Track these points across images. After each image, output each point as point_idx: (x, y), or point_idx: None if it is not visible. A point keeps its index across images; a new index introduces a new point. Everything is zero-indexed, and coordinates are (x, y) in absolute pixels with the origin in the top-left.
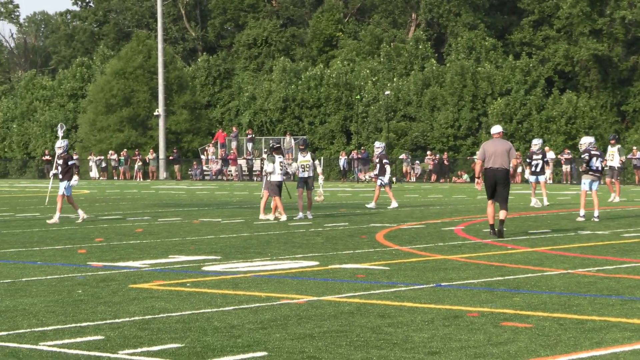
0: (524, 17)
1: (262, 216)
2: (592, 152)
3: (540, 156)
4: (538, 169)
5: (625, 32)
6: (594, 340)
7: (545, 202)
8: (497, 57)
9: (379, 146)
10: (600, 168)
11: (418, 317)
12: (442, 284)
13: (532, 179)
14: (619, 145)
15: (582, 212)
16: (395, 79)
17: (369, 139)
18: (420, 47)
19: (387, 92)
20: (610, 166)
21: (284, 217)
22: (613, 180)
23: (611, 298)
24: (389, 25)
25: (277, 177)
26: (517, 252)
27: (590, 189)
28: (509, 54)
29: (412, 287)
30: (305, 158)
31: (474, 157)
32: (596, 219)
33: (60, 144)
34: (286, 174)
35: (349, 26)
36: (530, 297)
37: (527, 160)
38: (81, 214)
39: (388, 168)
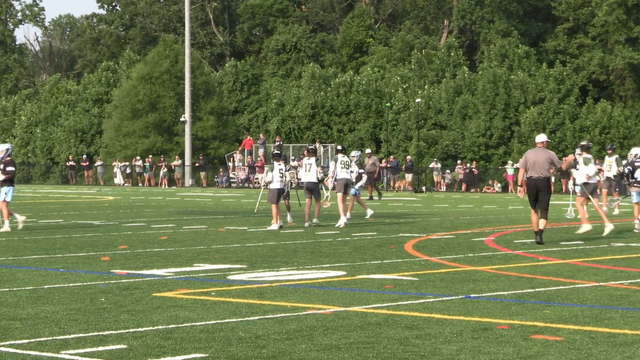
0: (559, 25)
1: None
2: (636, 164)
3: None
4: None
5: None
6: (625, 355)
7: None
8: (530, 65)
9: (354, 155)
10: None
11: (446, 329)
12: (472, 295)
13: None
14: (616, 155)
15: (636, 223)
16: (426, 87)
17: (399, 147)
18: (452, 54)
19: (418, 100)
20: (607, 177)
21: (274, 227)
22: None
23: None
24: (420, 32)
25: (276, 185)
26: (548, 264)
27: (638, 201)
28: (543, 61)
29: (440, 299)
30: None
31: (505, 166)
32: (637, 230)
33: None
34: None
35: (380, 32)
36: (561, 310)
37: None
38: (19, 219)
39: (364, 177)
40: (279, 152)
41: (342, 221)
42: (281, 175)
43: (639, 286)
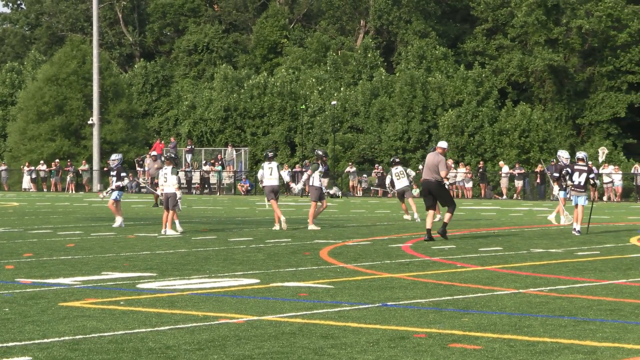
0: (478, 26)
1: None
2: (576, 167)
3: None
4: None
5: (582, 42)
6: None
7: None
8: (449, 67)
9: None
10: (582, 183)
11: (363, 338)
12: (388, 303)
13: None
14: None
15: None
16: (342, 89)
17: (314, 151)
18: (369, 55)
19: (334, 102)
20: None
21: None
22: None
23: (563, 319)
24: (336, 32)
25: (270, 182)
26: (466, 271)
27: (576, 203)
28: (461, 63)
29: (356, 307)
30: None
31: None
32: (577, 233)
33: None
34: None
35: (295, 33)
36: (480, 318)
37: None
38: None
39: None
40: (174, 156)
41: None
42: (270, 173)
43: (559, 293)
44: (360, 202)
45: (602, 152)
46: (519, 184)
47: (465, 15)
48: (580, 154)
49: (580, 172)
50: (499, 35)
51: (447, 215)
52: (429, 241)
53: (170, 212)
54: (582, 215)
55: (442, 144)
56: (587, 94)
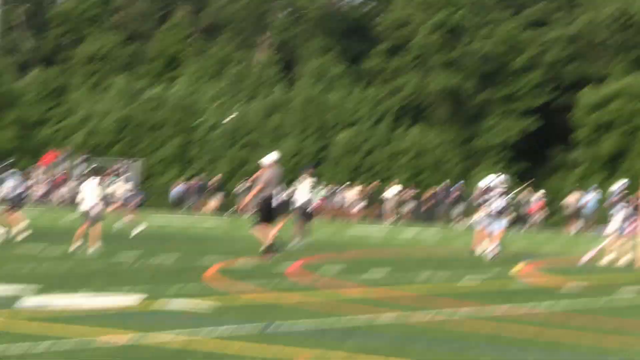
0: (378, 45)
1: None
2: (494, 192)
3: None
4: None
5: (478, 65)
6: None
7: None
8: (346, 85)
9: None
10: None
11: None
12: (272, 326)
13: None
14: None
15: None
16: (239, 104)
17: (210, 166)
18: (268, 70)
19: (231, 117)
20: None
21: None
22: None
23: (444, 347)
24: (237, 47)
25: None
26: (352, 293)
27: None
28: (360, 82)
29: (240, 328)
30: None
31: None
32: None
33: None
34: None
35: (195, 45)
36: (363, 344)
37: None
38: None
39: None
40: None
41: None
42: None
43: (444, 319)
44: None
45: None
46: (409, 206)
47: (367, 34)
48: (495, 179)
49: (499, 197)
50: (398, 56)
51: (274, 233)
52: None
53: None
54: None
55: (275, 155)
56: (482, 117)
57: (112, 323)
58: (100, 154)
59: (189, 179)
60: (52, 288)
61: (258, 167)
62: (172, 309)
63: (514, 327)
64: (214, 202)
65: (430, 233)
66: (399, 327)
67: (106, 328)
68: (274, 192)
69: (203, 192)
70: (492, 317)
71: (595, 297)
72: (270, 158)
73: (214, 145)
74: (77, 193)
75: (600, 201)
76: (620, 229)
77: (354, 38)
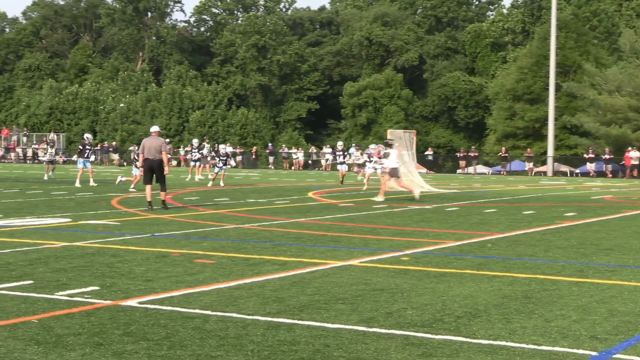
0: (215, 57)
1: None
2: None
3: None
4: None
5: (279, 70)
6: (254, 271)
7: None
8: (197, 83)
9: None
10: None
11: (139, 257)
12: (156, 234)
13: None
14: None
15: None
16: (127, 96)
17: (108, 135)
18: (144, 75)
19: (122, 105)
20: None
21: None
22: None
23: (266, 244)
24: (123, 60)
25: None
26: (206, 213)
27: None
28: (205, 81)
29: (135, 237)
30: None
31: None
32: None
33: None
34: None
35: (96, 59)
36: (214, 243)
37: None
38: None
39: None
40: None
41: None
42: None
43: (263, 227)
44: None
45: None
46: (239, 158)
47: (207, 50)
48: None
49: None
50: (228, 65)
51: (164, 194)
52: (150, 210)
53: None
54: None
55: (156, 128)
56: (283, 102)
57: (51, 236)
58: (37, 130)
59: (97, 144)
60: (10, 215)
61: (144, 135)
62: (89, 226)
63: (310, 231)
64: (115, 159)
65: (256, 173)
66: (237, 233)
67: (47, 239)
68: (154, 156)
69: (107, 152)
70: (295, 225)
71: (358, 212)
72: (153, 129)
73: (112, 123)
74: (25, 155)
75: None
76: (374, 169)
77: (199, 53)
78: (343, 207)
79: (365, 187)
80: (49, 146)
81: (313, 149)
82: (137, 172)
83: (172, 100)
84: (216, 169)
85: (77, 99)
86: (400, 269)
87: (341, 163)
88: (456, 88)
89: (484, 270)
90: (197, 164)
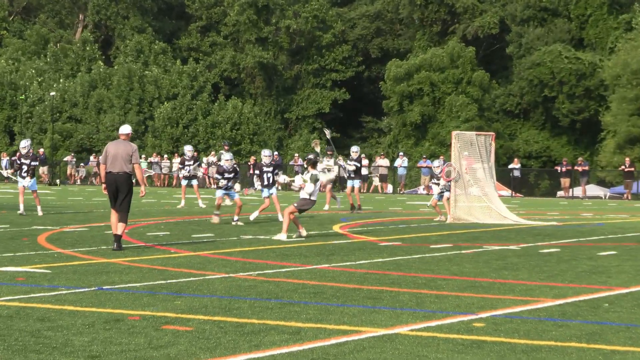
0: (192, 23)
1: None
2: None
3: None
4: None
5: (290, 41)
6: (252, 343)
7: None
8: (166, 61)
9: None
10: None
11: (79, 321)
12: (104, 287)
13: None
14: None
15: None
16: (61, 80)
17: (33, 139)
18: (87, 48)
19: (53, 93)
20: None
21: None
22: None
23: (270, 302)
24: (55, 26)
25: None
26: (180, 256)
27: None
28: (177, 58)
29: (73, 291)
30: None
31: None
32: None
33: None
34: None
35: (14, 25)
36: (192, 301)
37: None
38: None
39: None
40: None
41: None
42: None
43: (266, 277)
44: (78, 190)
45: (316, 144)
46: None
47: (181, 12)
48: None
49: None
50: (213, 33)
51: (122, 226)
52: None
53: None
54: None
55: (127, 128)
56: (295, 90)
57: None
58: None
59: (15, 152)
60: None
61: (83, 140)
62: (4, 276)
63: (334, 283)
64: (42, 174)
65: (254, 195)
66: (225, 286)
67: None
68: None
69: (45, 162)
70: (314, 274)
71: (409, 254)
72: (123, 130)
73: (39, 120)
74: None
75: (409, 167)
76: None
77: (168, 17)
78: (386, 247)
79: (440, 218)
80: None
81: (340, 160)
82: (234, 195)
83: (128, 86)
84: (264, 192)
85: None
86: (472, 341)
87: (351, 177)
88: (556, 69)
89: (598, 342)
90: (194, 182)
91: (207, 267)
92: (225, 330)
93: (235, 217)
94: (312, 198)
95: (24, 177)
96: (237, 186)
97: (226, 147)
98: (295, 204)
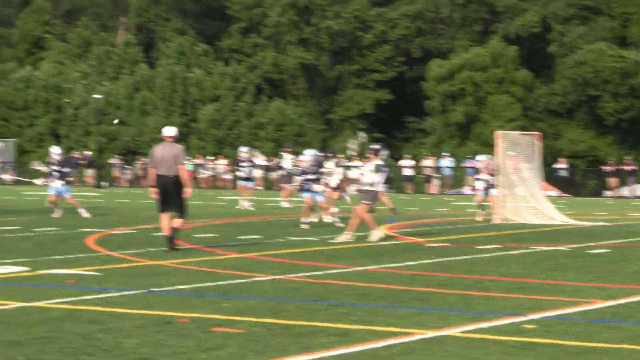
0: (233, 24)
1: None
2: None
3: (249, 162)
4: (246, 175)
5: (331, 42)
6: (301, 345)
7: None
8: (208, 63)
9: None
10: None
11: (128, 323)
12: (153, 289)
13: (248, 183)
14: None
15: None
16: (105, 83)
17: (79, 142)
18: (130, 51)
19: (97, 96)
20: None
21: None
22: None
23: (318, 303)
24: (97, 29)
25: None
26: (227, 258)
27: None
28: (219, 60)
29: (123, 293)
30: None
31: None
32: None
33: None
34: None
35: (57, 28)
36: (240, 303)
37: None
38: None
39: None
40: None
41: None
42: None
43: (314, 279)
44: (125, 192)
45: (353, 144)
46: (276, 175)
47: (222, 14)
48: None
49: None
50: (254, 34)
51: (181, 222)
52: (170, 249)
53: None
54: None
55: (171, 130)
56: (337, 90)
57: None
58: None
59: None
60: None
61: (128, 142)
62: (54, 278)
63: (382, 284)
64: (89, 176)
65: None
66: (273, 288)
67: None
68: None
69: (75, 166)
70: (362, 275)
71: (456, 255)
72: (167, 132)
73: (84, 123)
74: None
75: (455, 167)
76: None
77: (209, 18)
78: (433, 248)
79: (481, 218)
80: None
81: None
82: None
83: (171, 88)
84: (346, 197)
85: (30, 88)
86: (522, 343)
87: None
88: (599, 67)
89: None
90: (248, 183)
91: (255, 269)
92: (274, 332)
93: (327, 218)
94: (376, 189)
95: (55, 183)
96: (318, 187)
97: (288, 150)
98: (364, 201)
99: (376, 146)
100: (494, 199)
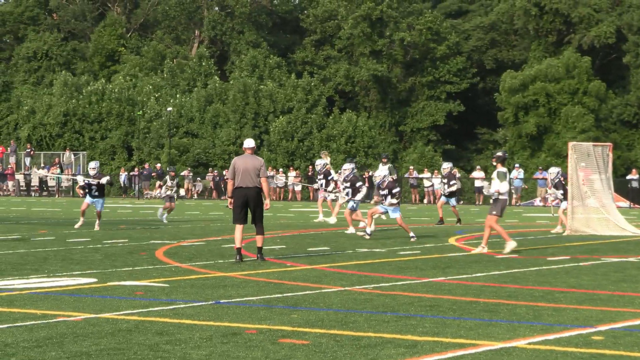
0: (306, 37)
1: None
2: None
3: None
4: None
5: (404, 54)
6: (369, 357)
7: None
8: (281, 76)
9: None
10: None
11: (196, 335)
12: (221, 301)
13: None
14: (389, 164)
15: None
16: (178, 96)
17: (151, 154)
18: (203, 63)
19: (170, 109)
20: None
21: None
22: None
23: (386, 315)
24: (172, 42)
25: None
26: (296, 270)
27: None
28: (292, 72)
29: (191, 305)
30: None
31: None
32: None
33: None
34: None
35: (132, 41)
36: (308, 314)
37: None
38: None
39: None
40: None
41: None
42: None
43: (382, 290)
44: (195, 204)
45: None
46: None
47: (295, 26)
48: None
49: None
50: (327, 47)
51: (261, 238)
52: (239, 261)
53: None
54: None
55: (251, 142)
56: (409, 102)
57: (67, 304)
58: (46, 147)
59: (133, 167)
60: (7, 273)
61: (199, 155)
62: (124, 289)
63: (451, 296)
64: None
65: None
66: (341, 299)
67: (62, 308)
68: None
69: (148, 179)
70: (430, 287)
71: (526, 266)
72: (248, 144)
73: (156, 135)
74: (28, 184)
75: (525, 179)
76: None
77: (282, 31)
78: (502, 259)
79: (557, 230)
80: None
81: (456, 172)
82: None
83: (243, 100)
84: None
85: (103, 101)
86: (591, 354)
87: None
88: None
89: None
90: (328, 197)
91: (323, 281)
92: (341, 343)
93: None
94: (504, 197)
95: (92, 196)
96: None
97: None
98: (494, 212)
99: (500, 153)
100: (563, 211)
